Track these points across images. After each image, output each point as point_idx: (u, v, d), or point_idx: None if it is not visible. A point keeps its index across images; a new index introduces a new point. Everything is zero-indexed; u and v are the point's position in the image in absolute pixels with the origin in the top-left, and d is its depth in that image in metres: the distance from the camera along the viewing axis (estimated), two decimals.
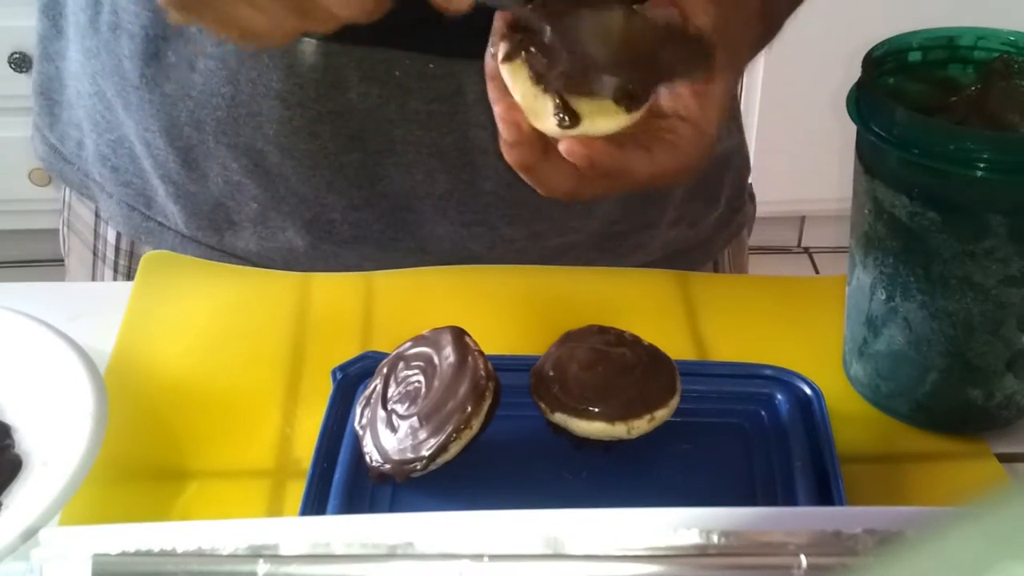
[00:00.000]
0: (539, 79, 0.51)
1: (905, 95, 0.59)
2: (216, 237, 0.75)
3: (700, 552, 0.41)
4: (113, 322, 0.67)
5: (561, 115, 0.50)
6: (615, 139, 0.52)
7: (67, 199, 0.85)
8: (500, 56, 0.52)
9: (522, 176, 0.53)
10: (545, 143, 0.52)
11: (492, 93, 0.53)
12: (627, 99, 0.51)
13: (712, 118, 0.54)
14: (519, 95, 0.51)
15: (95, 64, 0.73)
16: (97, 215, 0.81)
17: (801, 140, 2.04)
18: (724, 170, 0.81)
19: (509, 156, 0.53)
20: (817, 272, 2.27)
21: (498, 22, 0.53)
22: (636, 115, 0.51)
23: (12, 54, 1.93)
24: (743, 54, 0.57)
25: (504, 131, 0.52)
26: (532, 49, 0.51)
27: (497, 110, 0.52)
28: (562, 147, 0.51)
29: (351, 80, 0.66)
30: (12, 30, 1.88)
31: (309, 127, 0.68)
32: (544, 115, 0.51)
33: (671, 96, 0.54)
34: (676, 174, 0.54)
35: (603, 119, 0.51)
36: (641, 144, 0.52)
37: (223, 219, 0.75)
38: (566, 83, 0.51)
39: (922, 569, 0.22)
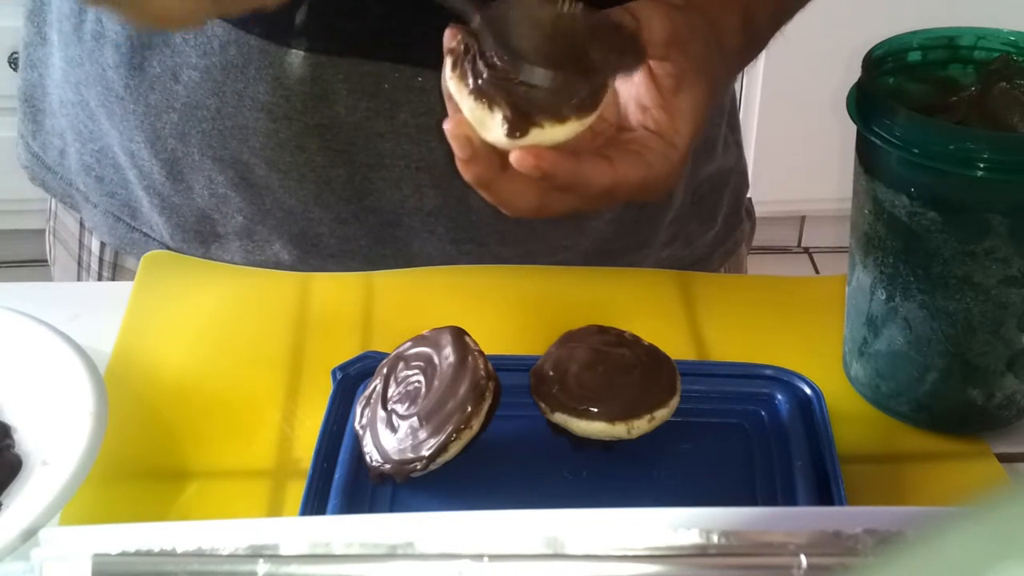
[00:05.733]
0: (480, 91, 0.50)
1: (905, 95, 0.59)
2: (202, 249, 0.75)
3: (700, 552, 0.41)
4: (113, 322, 0.67)
5: (508, 125, 0.49)
6: (571, 150, 0.51)
7: (53, 208, 0.84)
8: (445, 70, 0.51)
9: (483, 195, 0.53)
10: (502, 159, 0.51)
11: (449, 109, 0.52)
12: (576, 105, 0.50)
13: (683, 131, 0.53)
14: (466, 108, 0.50)
15: (79, 73, 0.72)
16: (81, 225, 0.81)
17: (801, 140, 2.04)
18: (721, 188, 0.81)
19: (466, 173, 0.52)
20: (817, 272, 2.27)
21: (446, 37, 0.52)
22: (587, 121, 0.51)
23: (12, 54, 1.93)
24: (715, 68, 0.56)
25: (456, 148, 0.51)
26: (474, 60, 0.50)
27: (446, 127, 0.51)
28: (513, 158, 0.50)
29: (339, 93, 0.65)
30: (12, 30, 1.87)
31: (296, 140, 0.67)
32: (492, 127, 0.50)
33: (639, 110, 0.54)
34: (644, 186, 0.53)
35: (552, 127, 0.50)
36: (601, 154, 0.52)
37: (209, 232, 0.74)
38: (509, 92, 0.50)
39: (922, 569, 0.22)
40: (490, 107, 0.50)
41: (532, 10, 0.51)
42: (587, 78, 0.51)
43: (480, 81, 0.50)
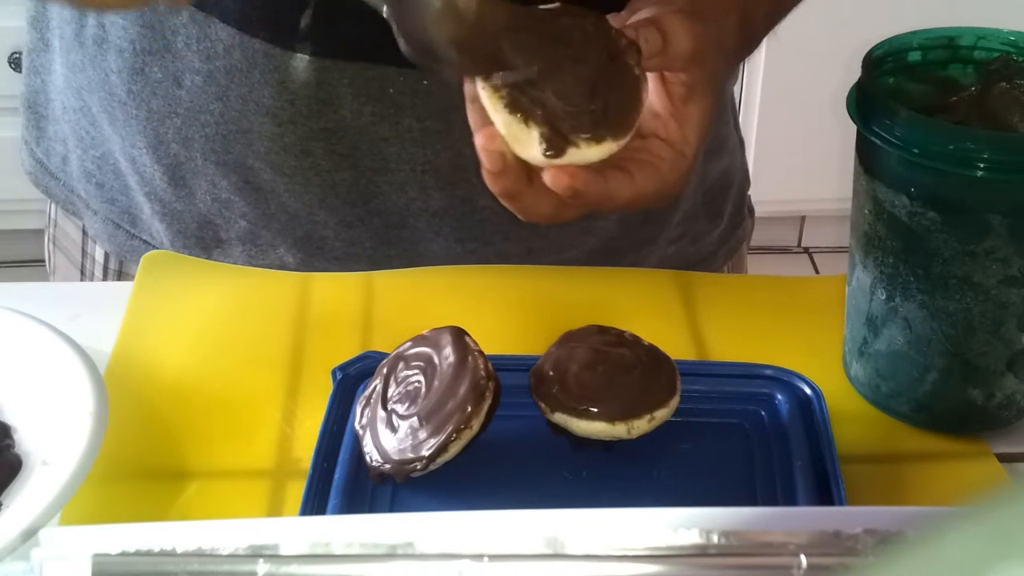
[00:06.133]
0: (516, 106, 0.49)
1: (905, 95, 0.59)
2: (204, 255, 0.74)
3: (700, 552, 0.41)
4: (113, 322, 0.67)
5: (546, 144, 0.49)
6: (596, 166, 0.51)
7: (53, 215, 0.83)
8: (479, 81, 0.50)
9: (504, 203, 0.53)
10: (529, 170, 0.51)
11: (472, 118, 0.52)
12: (612, 125, 0.50)
13: (692, 140, 0.53)
14: (501, 123, 0.50)
15: (80, 79, 0.72)
16: (85, 233, 0.81)
17: (801, 140, 2.04)
18: (728, 187, 0.81)
19: (493, 186, 0.52)
20: (817, 272, 2.27)
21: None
22: (623, 141, 0.51)
23: (12, 54, 1.93)
24: (721, 74, 0.57)
25: (487, 161, 0.51)
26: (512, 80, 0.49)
27: (478, 140, 0.51)
28: (547, 177, 0.50)
29: (344, 97, 0.65)
30: (12, 30, 1.87)
31: (301, 144, 0.67)
32: (529, 144, 0.49)
33: (651, 117, 0.54)
34: (657, 196, 0.53)
35: (589, 147, 0.50)
36: (621, 168, 0.52)
37: (211, 237, 0.74)
38: (544, 107, 0.49)
39: (922, 569, 0.22)
40: (526, 123, 0.49)
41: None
42: (621, 94, 0.51)
43: (515, 94, 0.49)
